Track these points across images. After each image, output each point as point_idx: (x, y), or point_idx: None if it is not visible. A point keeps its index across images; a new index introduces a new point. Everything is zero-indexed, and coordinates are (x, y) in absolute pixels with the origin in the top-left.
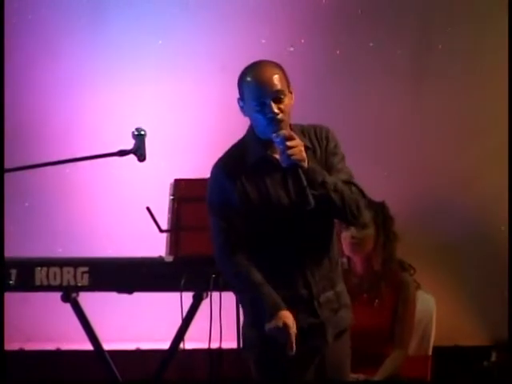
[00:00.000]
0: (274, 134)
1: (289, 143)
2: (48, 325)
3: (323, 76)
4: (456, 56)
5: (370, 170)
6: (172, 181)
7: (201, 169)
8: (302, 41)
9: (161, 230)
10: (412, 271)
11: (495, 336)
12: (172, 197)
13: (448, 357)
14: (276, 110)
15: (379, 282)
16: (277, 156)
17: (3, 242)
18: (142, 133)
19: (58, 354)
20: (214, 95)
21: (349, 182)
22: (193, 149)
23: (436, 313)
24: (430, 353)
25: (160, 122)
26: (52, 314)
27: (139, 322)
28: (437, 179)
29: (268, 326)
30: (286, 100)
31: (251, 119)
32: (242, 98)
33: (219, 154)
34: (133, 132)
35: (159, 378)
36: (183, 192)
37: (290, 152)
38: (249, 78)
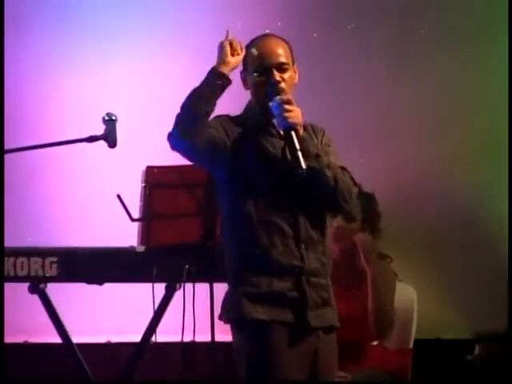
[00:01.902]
0: (271, 103)
1: (286, 106)
2: (15, 317)
3: (300, 59)
4: (439, 40)
5: (347, 156)
6: (144, 168)
7: (173, 156)
8: (279, 24)
9: (132, 219)
10: (389, 260)
11: (478, 329)
12: (144, 184)
13: (429, 350)
14: (278, 78)
15: (358, 277)
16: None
17: (3, 240)
18: (113, 118)
19: (26, 347)
20: (187, 80)
21: (342, 168)
22: (165, 135)
23: (417, 305)
24: (411, 346)
25: (132, 108)
26: (19, 306)
27: (110, 314)
28: (419, 167)
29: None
30: (290, 73)
31: (252, 91)
32: (244, 69)
33: None
34: (103, 117)
35: (130, 373)
36: (155, 179)
37: (286, 114)
38: (253, 48)
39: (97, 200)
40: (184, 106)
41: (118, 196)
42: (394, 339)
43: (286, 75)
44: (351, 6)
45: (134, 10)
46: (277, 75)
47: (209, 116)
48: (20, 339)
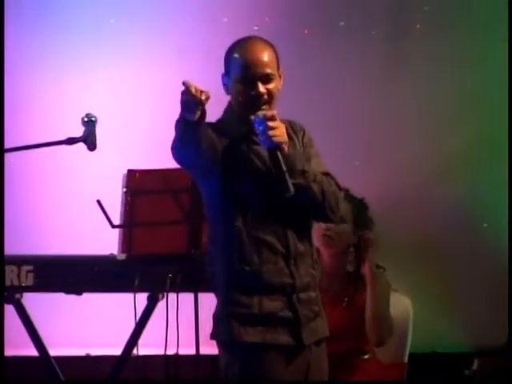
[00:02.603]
0: (252, 116)
1: (271, 123)
2: None
3: (290, 58)
4: (436, 37)
5: (341, 159)
6: (125, 171)
7: (156, 159)
8: (267, 19)
9: (112, 226)
10: (381, 270)
11: (477, 342)
12: (125, 189)
13: (426, 365)
14: (262, 90)
15: (351, 285)
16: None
17: (3, 242)
18: (93, 119)
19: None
20: (170, 80)
21: (326, 174)
22: (148, 137)
23: (412, 316)
24: (406, 360)
25: (112, 108)
26: None
27: (89, 326)
28: (414, 170)
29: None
30: (274, 83)
31: (233, 97)
32: (226, 73)
33: None
34: (82, 118)
35: None
36: (137, 184)
37: (271, 133)
38: (236, 54)
39: (76, 205)
40: (176, 130)
41: (98, 201)
42: (388, 353)
43: (271, 85)
44: (342, 2)
45: (116, 10)
46: (261, 87)
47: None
48: None
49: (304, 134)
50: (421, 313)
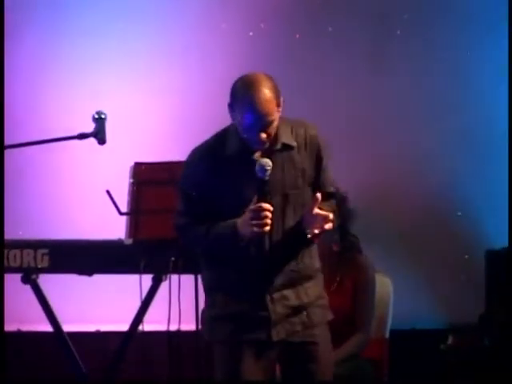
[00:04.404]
0: (255, 157)
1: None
2: (8, 306)
3: (283, 61)
4: (414, 41)
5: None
6: (132, 164)
7: (161, 152)
8: (262, 26)
9: (120, 213)
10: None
11: (451, 319)
12: (132, 180)
13: (405, 340)
14: (263, 138)
15: (338, 264)
16: (256, 155)
17: (3, 234)
18: (103, 116)
19: (19, 335)
20: (174, 78)
21: (331, 194)
22: (153, 132)
23: (393, 296)
24: (387, 335)
25: (120, 105)
26: (12, 296)
27: (99, 304)
28: (395, 162)
29: (244, 229)
30: (275, 123)
31: (237, 125)
32: (231, 107)
33: (179, 137)
34: (93, 115)
35: (119, 360)
36: (143, 175)
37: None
38: (242, 100)
39: (87, 194)
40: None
41: (108, 191)
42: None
43: (271, 128)
44: (330, 9)
45: (122, 12)
46: (263, 135)
47: None
48: (13, 327)
49: (319, 148)
50: (401, 292)
